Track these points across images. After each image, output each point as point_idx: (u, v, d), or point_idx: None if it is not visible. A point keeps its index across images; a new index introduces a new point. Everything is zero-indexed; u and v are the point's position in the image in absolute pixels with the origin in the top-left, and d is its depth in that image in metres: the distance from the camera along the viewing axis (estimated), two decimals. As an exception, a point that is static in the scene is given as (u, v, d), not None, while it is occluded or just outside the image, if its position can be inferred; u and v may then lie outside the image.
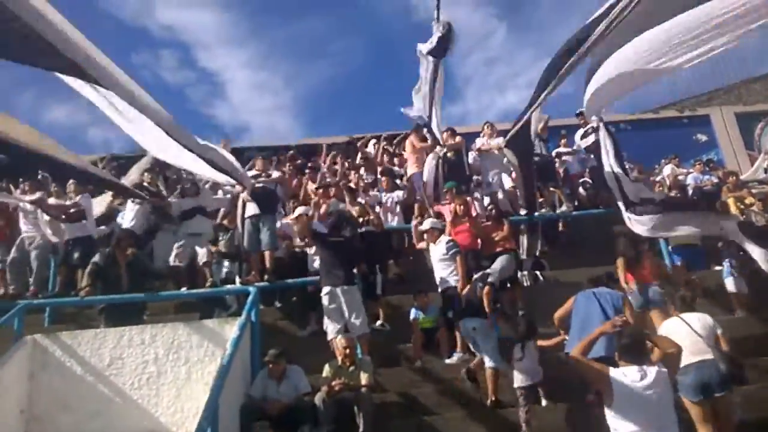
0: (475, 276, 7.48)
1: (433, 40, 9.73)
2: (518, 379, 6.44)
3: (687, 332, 5.45)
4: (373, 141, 13.87)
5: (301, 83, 72.38)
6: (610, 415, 4.25)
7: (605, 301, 6.06)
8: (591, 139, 11.49)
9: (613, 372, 4.24)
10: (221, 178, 7.51)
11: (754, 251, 6.52)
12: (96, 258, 7.90)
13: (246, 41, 70.27)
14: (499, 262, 8.14)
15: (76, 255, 9.38)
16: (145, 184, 9.82)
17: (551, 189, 11.28)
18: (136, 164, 10.69)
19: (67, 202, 9.57)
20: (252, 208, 9.01)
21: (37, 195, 9.59)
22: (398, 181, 11.41)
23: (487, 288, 7.28)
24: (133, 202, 9.58)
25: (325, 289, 7.41)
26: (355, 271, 7.82)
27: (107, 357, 6.74)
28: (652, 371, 4.19)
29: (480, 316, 6.99)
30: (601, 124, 8.53)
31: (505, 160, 10.53)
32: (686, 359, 5.25)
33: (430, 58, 9.86)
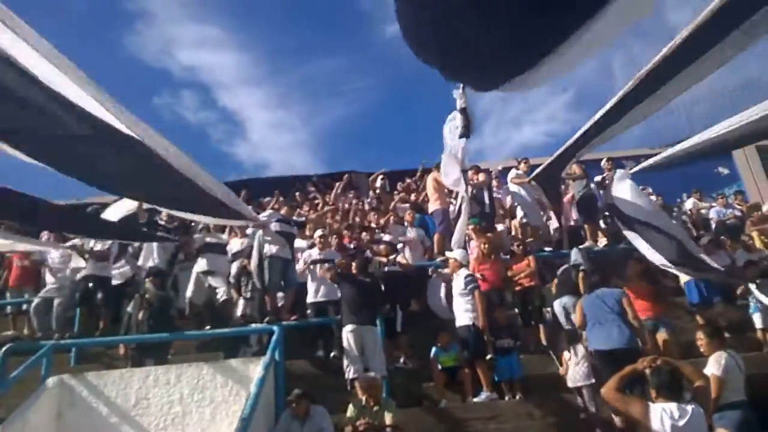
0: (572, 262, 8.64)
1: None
2: (572, 380, 7.12)
3: (738, 369, 5.64)
4: (381, 177, 13.96)
5: (317, 121, 73.48)
6: None
7: (608, 299, 6.90)
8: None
9: (653, 409, 4.23)
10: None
11: None
12: (129, 308, 8.14)
13: (264, 81, 71.77)
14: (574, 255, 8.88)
15: (98, 296, 9.56)
16: (162, 222, 10.00)
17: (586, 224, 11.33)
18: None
19: (98, 246, 9.73)
20: (275, 250, 9.10)
21: (69, 244, 9.91)
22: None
23: (582, 273, 8.20)
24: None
25: (348, 327, 7.48)
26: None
27: (133, 397, 6.79)
28: (690, 410, 4.18)
29: (576, 295, 7.91)
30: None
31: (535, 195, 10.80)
32: (734, 395, 5.52)
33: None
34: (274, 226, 9.25)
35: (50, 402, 6.75)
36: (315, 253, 9.29)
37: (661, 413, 4.18)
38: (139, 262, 9.61)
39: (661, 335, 7.35)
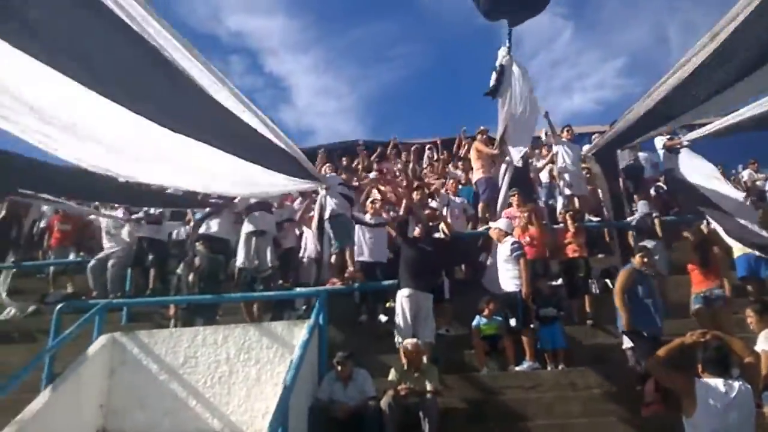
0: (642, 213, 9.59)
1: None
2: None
3: None
4: (429, 147, 13.83)
5: (364, 87, 72.59)
6: (689, 426, 4.21)
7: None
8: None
9: (699, 384, 4.18)
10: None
11: None
12: (179, 269, 8.41)
13: (311, 47, 70.90)
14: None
15: (150, 257, 9.84)
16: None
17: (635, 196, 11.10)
18: None
19: (152, 210, 10.02)
20: (343, 209, 9.17)
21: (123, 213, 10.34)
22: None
23: (657, 220, 9.36)
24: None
25: (405, 292, 7.45)
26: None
27: (182, 356, 6.97)
28: (736, 386, 4.09)
29: (654, 239, 9.03)
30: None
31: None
32: None
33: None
34: (337, 189, 9.32)
35: (103, 358, 6.98)
36: (367, 218, 9.35)
37: (707, 389, 4.12)
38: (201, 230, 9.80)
39: (715, 308, 7.17)
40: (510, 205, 9.57)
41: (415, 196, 9.97)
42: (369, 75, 71.99)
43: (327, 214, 9.06)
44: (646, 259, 7.14)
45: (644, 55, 65.21)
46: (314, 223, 9.11)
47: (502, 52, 8.71)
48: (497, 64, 7.97)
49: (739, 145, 14.68)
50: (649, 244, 8.55)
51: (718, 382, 4.13)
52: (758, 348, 5.44)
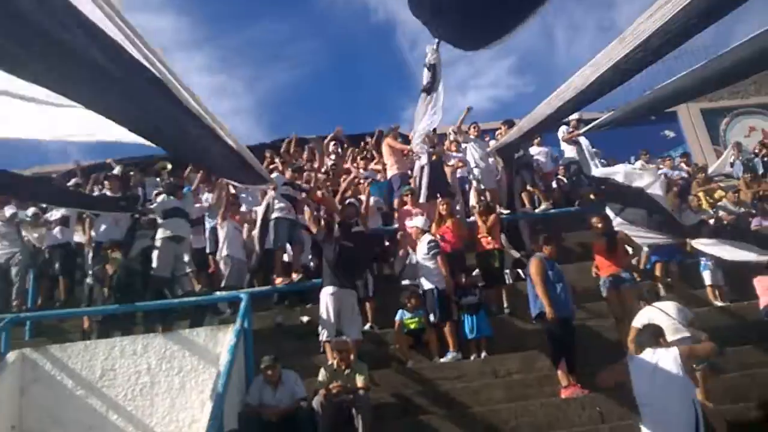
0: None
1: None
2: None
3: (664, 317, 6.07)
4: (333, 142, 13.75)
5: (259, 87, 71.15)
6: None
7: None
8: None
9: (631, 359, 4.80)
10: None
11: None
12: (89, 280, 7.88)
13: (203, 45, 68.71)
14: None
15: (56, 264, 9.30)
16: (108, 194, 9.75)
17: (530, 188, 11.45)
18: None
19: (57, 215, 9.48)
20: (283, 212, 9.00)
21: (9, 211, 9.57)
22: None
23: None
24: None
25: (329, 290, 7.45)
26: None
27: (99, 369, 6.66)
28: (661, 351, 4.59)
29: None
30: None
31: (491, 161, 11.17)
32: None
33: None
34: (281, 189, 9.13)
35: (12, 377, 6.58)
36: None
37: (635, 360, 4.72)
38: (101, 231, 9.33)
39: (622, 290, 7.58)
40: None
41: (345, 186, 10.06)
42: (263, 75, 70.93)
43: (272, 215, 8.92)
44: (550, 248, 7.54)
45: (532, 54, 67.98)
46: (258, 224, 8.92)
47: (429, 49, 8.75)
48: (427, 62, 8.02)
49: (630, 138, 15.67)
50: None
51: (646, 353, 4.65)
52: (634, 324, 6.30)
